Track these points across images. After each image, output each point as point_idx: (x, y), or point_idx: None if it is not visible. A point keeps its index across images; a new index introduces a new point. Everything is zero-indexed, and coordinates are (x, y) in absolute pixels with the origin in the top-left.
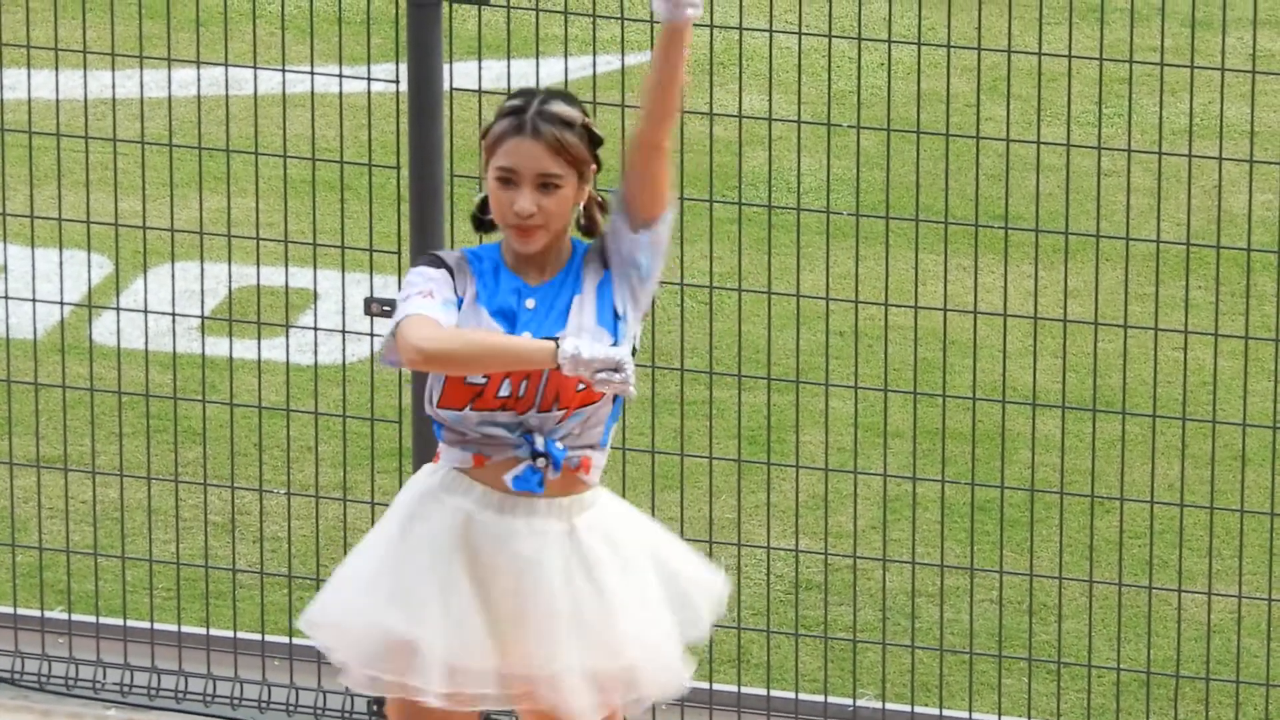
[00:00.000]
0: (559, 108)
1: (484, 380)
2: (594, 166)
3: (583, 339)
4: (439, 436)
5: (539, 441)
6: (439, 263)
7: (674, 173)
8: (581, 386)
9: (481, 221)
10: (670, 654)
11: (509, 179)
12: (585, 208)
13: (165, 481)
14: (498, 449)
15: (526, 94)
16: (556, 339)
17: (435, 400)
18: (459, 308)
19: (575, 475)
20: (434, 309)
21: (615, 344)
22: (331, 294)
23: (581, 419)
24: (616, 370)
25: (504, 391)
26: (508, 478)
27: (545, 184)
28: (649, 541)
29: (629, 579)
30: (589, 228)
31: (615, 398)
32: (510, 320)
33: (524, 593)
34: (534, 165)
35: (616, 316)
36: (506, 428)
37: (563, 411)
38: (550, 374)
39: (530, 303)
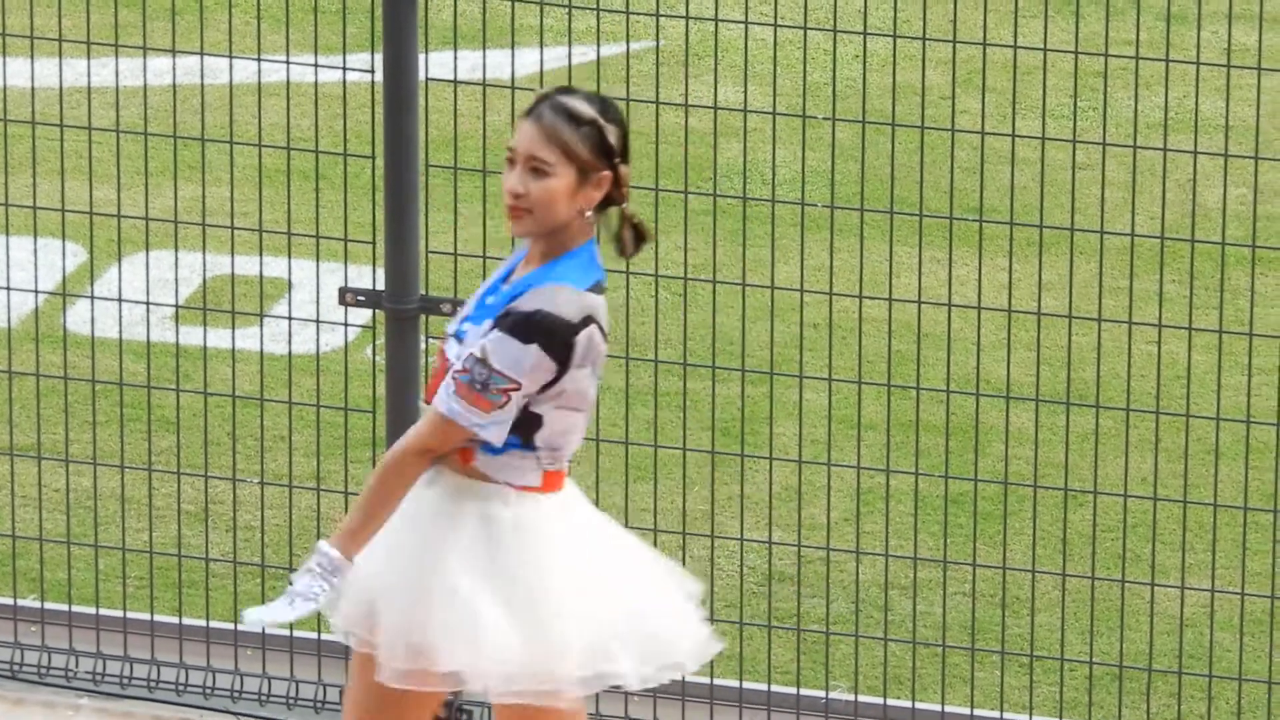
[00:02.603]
0: (572, 101)
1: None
2: (605, 173)
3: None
4: None
5: None
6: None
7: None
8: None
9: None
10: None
11: (511, 158)
12: (619, 225)
13: (139, 470)
14: None
15: (559, 88)
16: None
17: None
18: None
19: (459, 461)
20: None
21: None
22: (306, 283)
23: None
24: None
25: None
26: None
27: (535, 168)
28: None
29: (489, 579)
30: (619, 245)
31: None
32: (476, 304)
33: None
34: (527, 146)
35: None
36: None
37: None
38: (437, 368)
39: (490, 299)
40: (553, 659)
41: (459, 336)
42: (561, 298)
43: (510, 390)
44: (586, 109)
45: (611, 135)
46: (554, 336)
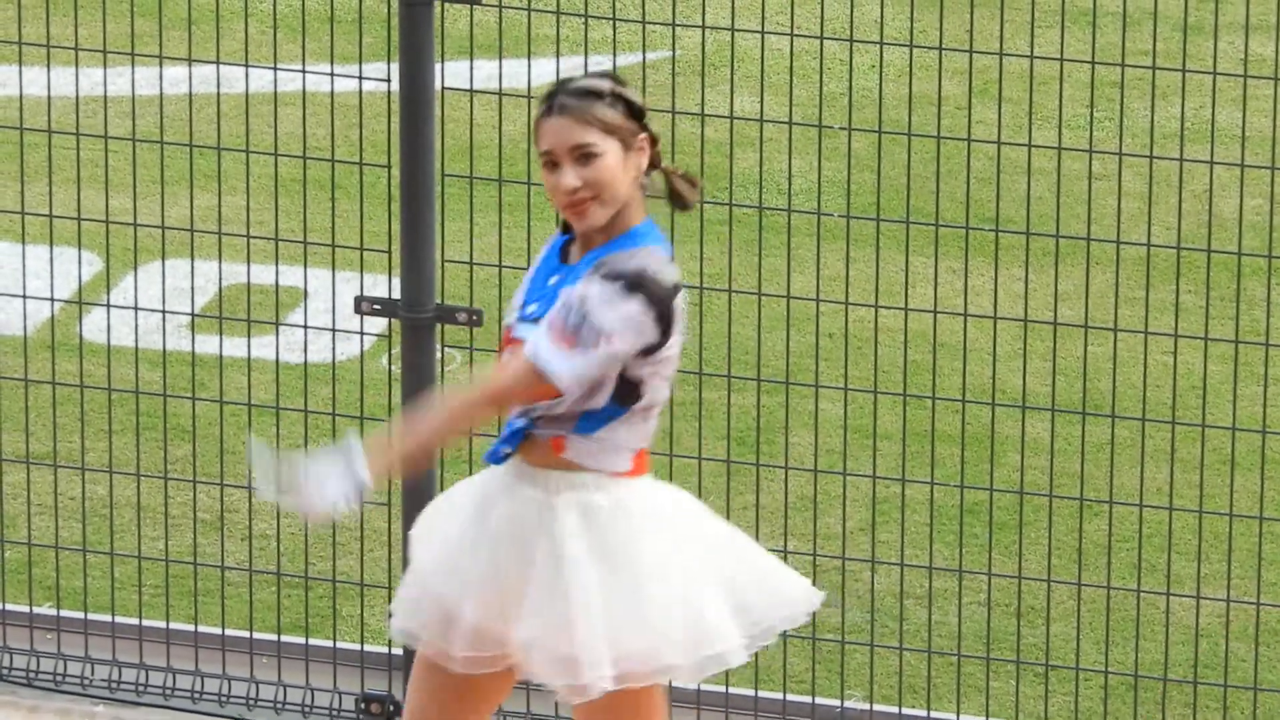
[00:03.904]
0: (585, 82)
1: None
2: (644, 135)
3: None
4: None
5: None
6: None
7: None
8: None
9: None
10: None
11: (552, 161)
12: (667, 181)
13: (154, 479)
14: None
15: (559, 81)
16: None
17: None
18: None
19: (549, 451)
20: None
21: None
22: (321, 292)
23: (548, 405)
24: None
25: (506, 357)
26: None
27: (583, 155)
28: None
29: (597, 567)
30: (678, 201)
31: (609, 398)
32: (533, 289)
33: (501, 552)
34: (566, 140)
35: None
36: None
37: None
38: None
39: (553, 279)
40: (659, 642)
41: (526, 319)
42: (657, 261)
43: (601, 339)
44: (599, 82)
45: (633, 97)
46: (655, 296)
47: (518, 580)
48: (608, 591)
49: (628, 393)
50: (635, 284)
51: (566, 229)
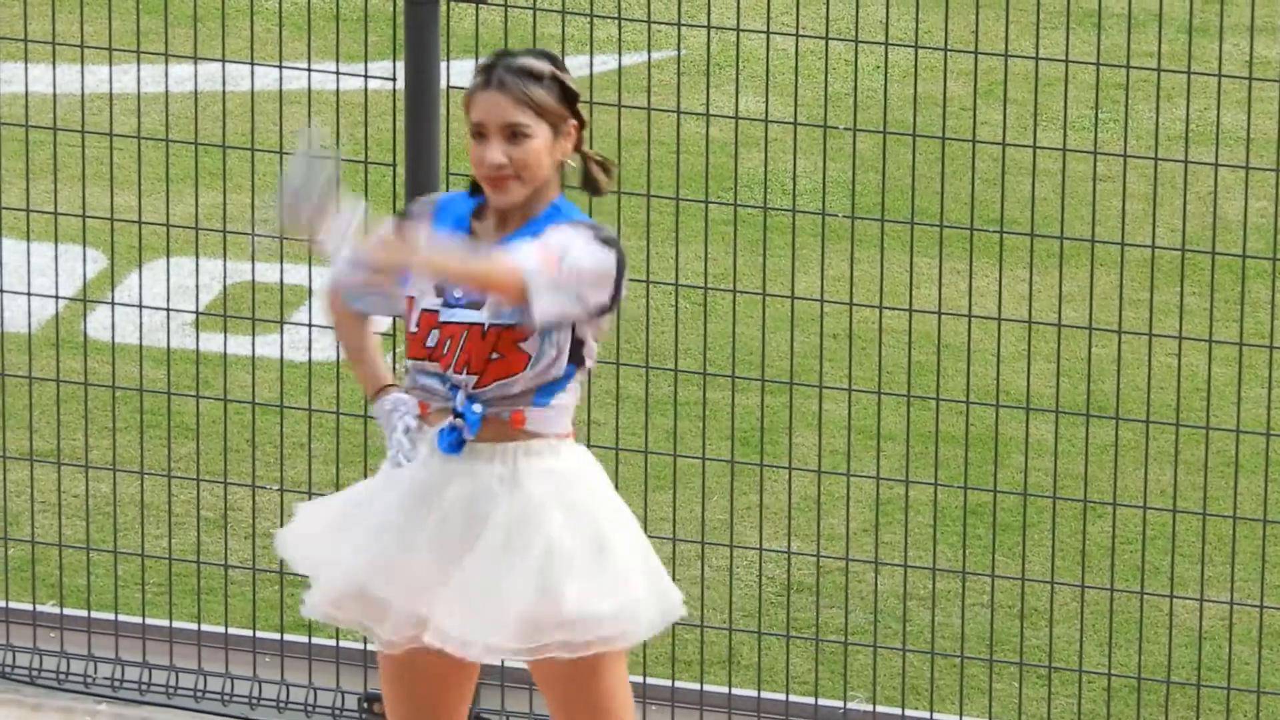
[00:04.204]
0: (526, 61)
1: (415, 328)
2: (573, 121)
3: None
4: None
5: (459, 400)
6: (406, 214)
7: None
8: (495, 356)
9: (477, 185)
10: (608, 610)
11: (480, 133)
12: (584, 165)
13: (158, 476)
14: (434, 399)
15: (499, 53)
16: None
17: None
18: None
19: (508, 426)
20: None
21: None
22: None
23: (502, 386)
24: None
25: (430, 342)
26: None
27: (513, 134)
28: (604, 514)
29: (570, 531)
30: (591, 186)
31: (565, 366)
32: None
33: (459, 535)
34: (500, 116)
35: None
36: (439, 379)
37: (474, 377)
38: (466, 339)
39: None
40: (631, 600)
41: (454, 303)
42: (605, 230)
43: (577, 275)
44: (539, 64)
45: (570, 82)
46: (620, 255)
47: (461, 553)
48: (581, 557)
49: (576, 352)
50: (605, 238)
51: (475, 191)
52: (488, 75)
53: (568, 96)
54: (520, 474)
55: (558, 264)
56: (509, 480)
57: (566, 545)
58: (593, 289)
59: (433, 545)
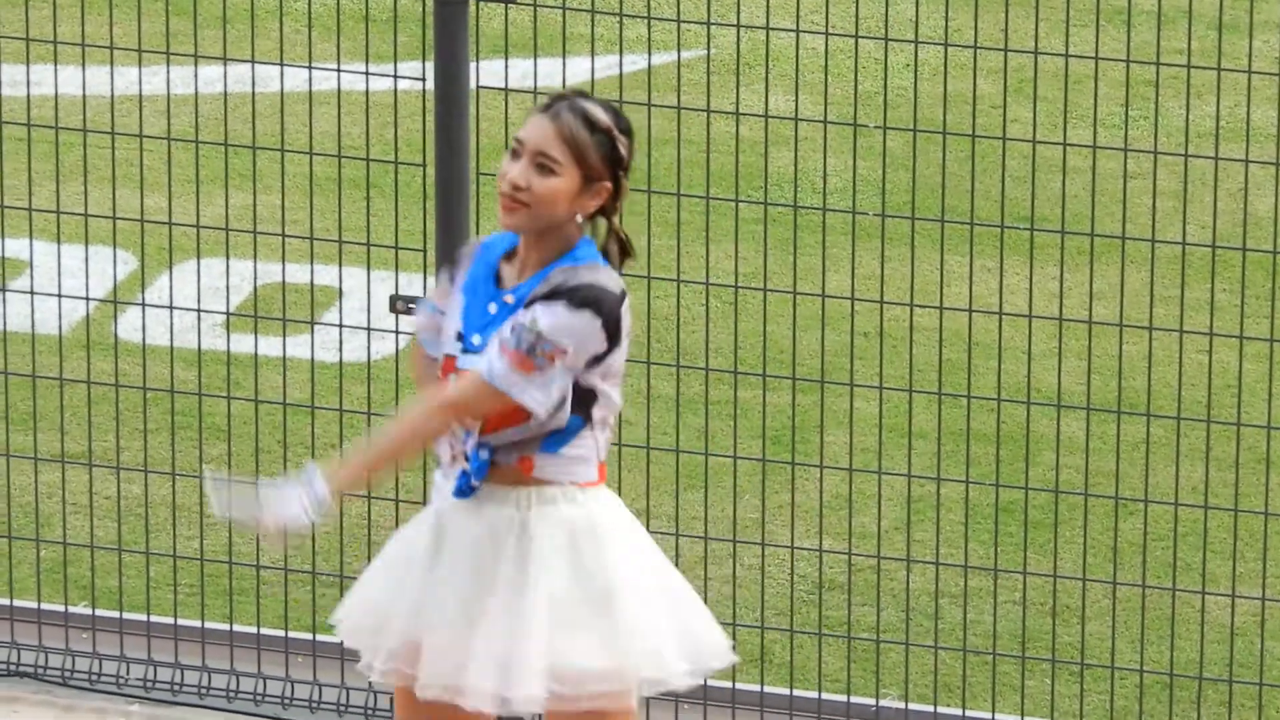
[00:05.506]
0: (590, 106)
1: (439, 373)
2: (608, 184)
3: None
4: None
5: (469, 445)
6: (455, 260)
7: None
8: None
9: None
10: (600, 668)
11: (517, 150)
12: (606, 238)
13: (190, 478)
14: (455, 442)
15: (577, 91)
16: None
17: None
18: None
19: (519, 473)
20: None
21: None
22: (356, 291)
23: (506, 434)
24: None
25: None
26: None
27: (542, 164)
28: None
29: (574, 583)
30: (605, 254)
31: (570, 419)
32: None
33: (467, 576)
34: (539, 141)
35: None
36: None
37: (480, 423)
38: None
39: (492, 307)
40: (628, 660)
41: (471, 349)
42: (603, 274)
43: (556, 355)
44: (603, 116)
45: (622, 147)
46: (604, 307)
47: (476, 598)
48: (583, 610)
49: (584, 402)
50: (584, 299)
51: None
52: (552, 103)
53: (614, 158)
54: (530, 521)
55: (521, 355)
56: (518, 527)
57: (568, 597)
58: (574, 353)
59: (440, 581)
